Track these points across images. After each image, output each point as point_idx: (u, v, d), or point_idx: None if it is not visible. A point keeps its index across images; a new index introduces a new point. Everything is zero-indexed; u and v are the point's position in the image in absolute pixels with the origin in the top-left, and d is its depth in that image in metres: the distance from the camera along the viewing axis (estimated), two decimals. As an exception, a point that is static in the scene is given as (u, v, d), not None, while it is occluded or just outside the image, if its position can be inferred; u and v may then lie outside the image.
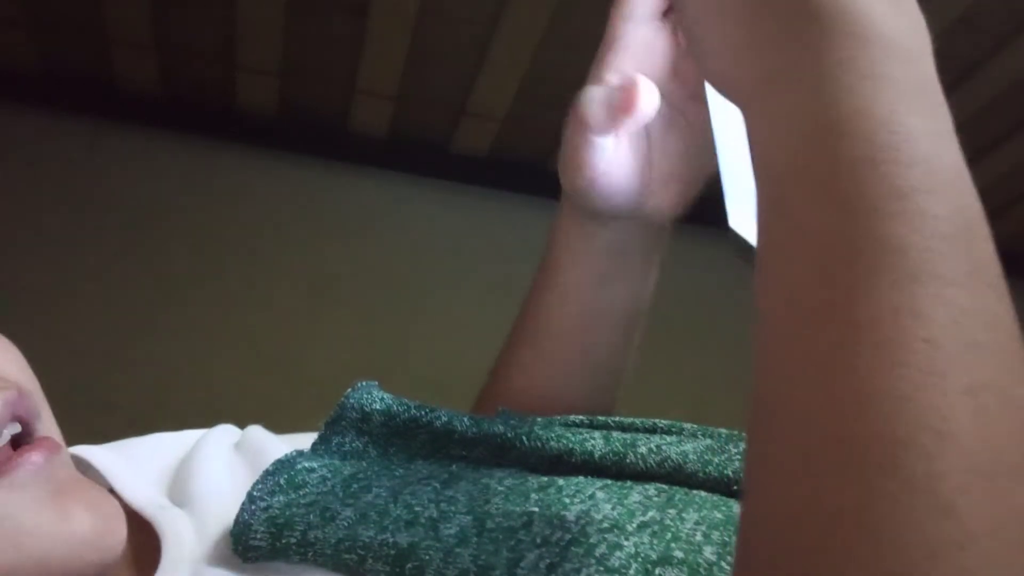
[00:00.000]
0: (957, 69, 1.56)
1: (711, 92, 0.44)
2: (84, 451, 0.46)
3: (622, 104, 0.45)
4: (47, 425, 0.42)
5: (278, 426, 0.53)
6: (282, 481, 0.41)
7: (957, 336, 0.24)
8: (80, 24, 1.63)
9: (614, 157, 0.47)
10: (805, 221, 0.27)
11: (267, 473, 0.41)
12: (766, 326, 0.28)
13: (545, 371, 0.57)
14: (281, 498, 0.40)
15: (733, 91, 0.34)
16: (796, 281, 0.27)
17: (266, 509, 0.39)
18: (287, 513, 0.39)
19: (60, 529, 0.38)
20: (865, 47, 0.29)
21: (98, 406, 1.61)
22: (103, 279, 1.78)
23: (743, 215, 0.41)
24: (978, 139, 1.76)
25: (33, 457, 0.38)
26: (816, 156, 0.28)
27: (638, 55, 0.48)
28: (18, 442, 0.40)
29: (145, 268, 1.80)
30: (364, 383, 0.49)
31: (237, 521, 0.39)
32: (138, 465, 0.47)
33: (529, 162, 1.96)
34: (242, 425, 0.53)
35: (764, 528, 0.25)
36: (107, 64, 1.73)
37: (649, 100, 0.45)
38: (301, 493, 0.40)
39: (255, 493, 0.40)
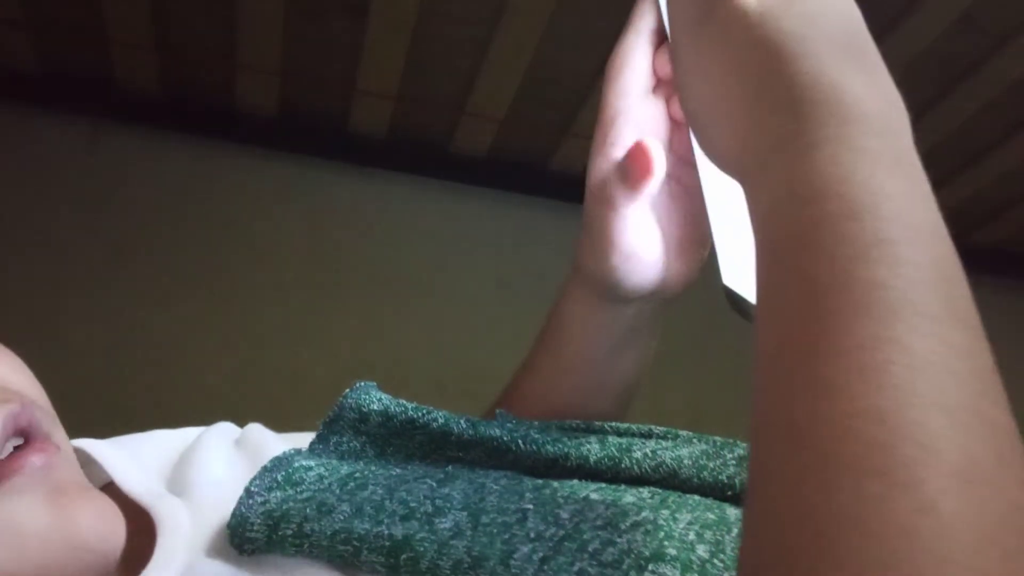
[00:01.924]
0: (957, 69, 1.56)
1: (700, 160, 0.47)
2: (84, 444, 0.47)
3: (637, 167, 0.48)
4: (54, 432, 0.42)
5: (277, 425, 0.53)
6: (279, 478, 0.41)
7: (935, 363, 0.28)
8: (80, 24, 1.63)
9: (641, 230, 0.49)
10: (798, 268, 0.31)
11: (265, 470, 0.42)
12: (765, 356, 0.31)
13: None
14: (278, 494, 0.40)
15: (731, 165, 0.38)
16: (790, 317, 0.30)
17: (263, 503, 0.39)
18: (284, 507, 0.39)
19: (60, 532, 0.38)
20: (847, 124, 0.33)
21: (98, 406, 1.61)
22: (103, 279, 1.78)
23: (735, 271, 0.45)
24: (978, 139, 1.77)
25: (32, 460, 0.39)
26: (806, 214, 0.32)
27: (637, 128, 0.50)
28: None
29: (145, 268, 1.80)
30: (362, 383, 0.49)
31: (234, 514, 0.39)
32: (138, 458, 0.47)
33: (529, 162, 1.96)
34: (242, 425, 0.53)
35: (765, 531, 0.27)
36: (107, 64, 1.73)
37: (660, 157, 0.47)
38: (298, 489, 0.41)
39: (253, 488, 0.40)
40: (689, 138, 0.48)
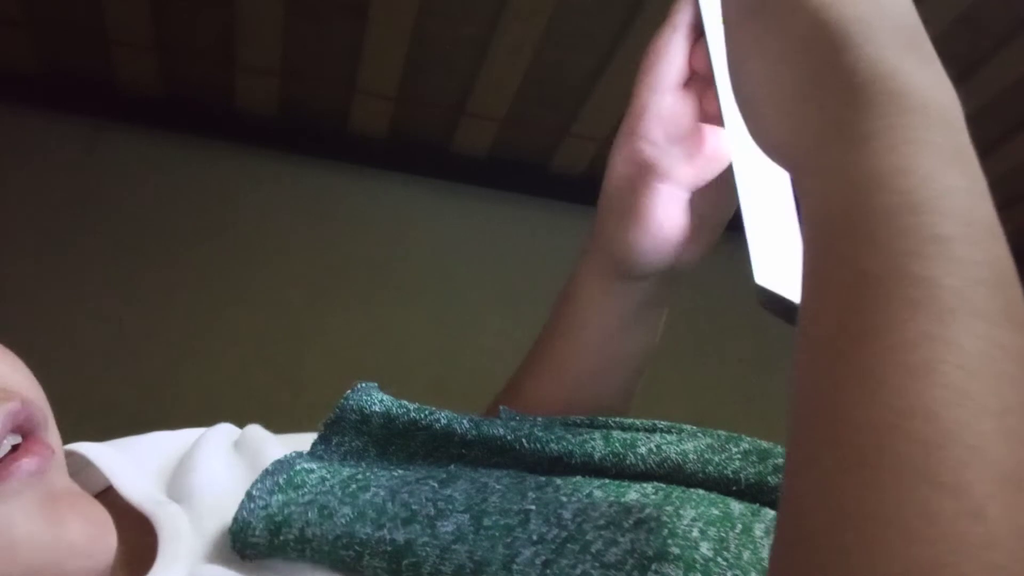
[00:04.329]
0: (957, 69, 1.55)
1: (737, 155, 0.47)
2: (83, 447, 0.46)
3: (701, 148, 0.49)
4: (49, 433, 0.42)
5: (277, 425, 0.53)
6: (281, 481, 0.41)
7: (987, 365, 0.27)
8: (80, 24, 1.63)
9: (672, 210, 0.51)
10: (850, 259, 0.30)
11: (266, 473, 0.42)
12: (810, 346, 0.30)
13: (549, 410, 0.58)
14: (280, 497, 0.40)
15: (783, 152, 0.37)
16: (840, 309, 0.30)
17: (265, 507, 0.39)
18: (285, 511, 0.39)
19: (51, 537, 0.38)
20: (907, 114, 0.32)
21: (98, 406, 1.61)
22: (103, 279, 1.78)
23: (767, 268, 0.44)
24: (978, 139, 1.76)
25: (25, 464, 0.38)
26: (862, 205, 0.31)
27: (665, 122, 0.51)
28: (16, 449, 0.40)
29: (145, 268, 1.80)
30: (364, 384, 0.49)
31: (236, 519, 0.39)
32: (137, 461, 0.47)
33: (529, 162, 1.96)
34: (242, 425, 0.53)
35: (804, 528, 0.27)
36: (107, 64, 1.73)
37: (727, 146, 0.49)
38: (300, 492, 0.40)
39: (254, 492, 0.40)
40: (720, 133, 0.50)
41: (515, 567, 0.35)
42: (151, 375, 1.74)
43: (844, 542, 0.25)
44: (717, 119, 0.49)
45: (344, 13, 1.55)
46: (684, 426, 0.49)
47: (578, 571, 0.35)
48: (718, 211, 0.53)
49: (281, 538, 0.38)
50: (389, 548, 0.37)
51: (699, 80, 0.51)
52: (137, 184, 1.84)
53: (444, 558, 0.36)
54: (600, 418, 0.51)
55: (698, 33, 0.50)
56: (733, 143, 0.47)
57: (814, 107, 0.34)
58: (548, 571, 0.35)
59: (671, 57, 0.50)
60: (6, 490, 0.38)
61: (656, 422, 0.50)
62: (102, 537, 0.40)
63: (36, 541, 0.38)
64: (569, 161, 1.94)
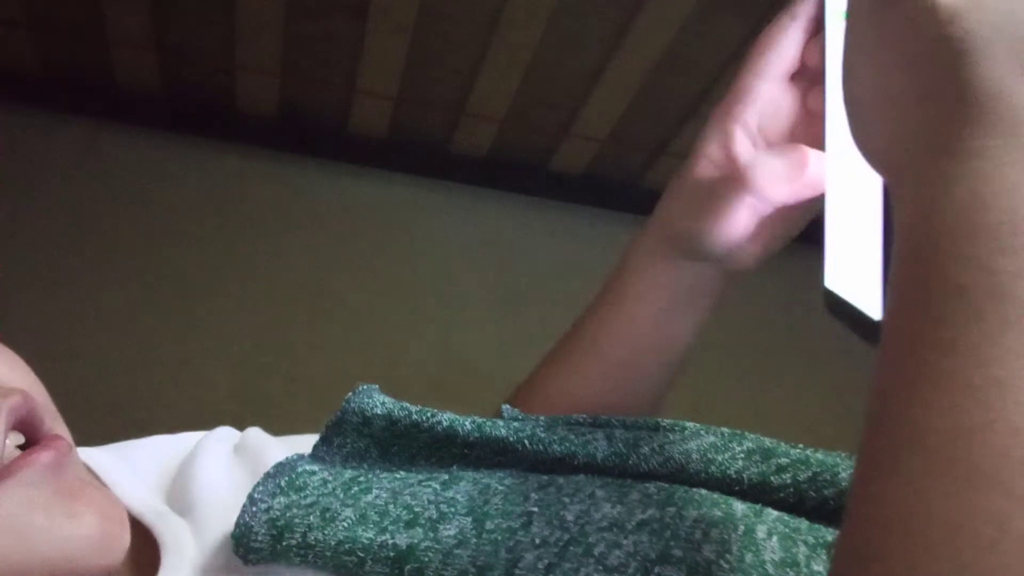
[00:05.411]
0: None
1: (830, 165, 0.47)
2: (83, 454, 0.46)
3: (797, 173, 0.49)
4: (57, 428, 0.42)
5: (278, 426, 0.53)
6: (283, 483, 0.41)
7: None
8: (80, 24, 1.63)
9: (746, 214, 0.51)
10: (948, 274, 0.31)
11: (268, 475, 0.42)
12: (895, 355, 0.31)
13: (582, 389, 0.58)
14: (282, 500, 0.40)
15: (884, 159, 0.37)
16: (932, 319, 0.30)
17: (267, 511, 0.39)
18: (287, 515, 0.39)
19: (68, 529, 0.38)
20: (1015, 136, 0.32)
21: (98, 406, 1.61)
22: (103, 279, 1.78)
23: (840, 274, 0.45)
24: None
25: (42, 457, 0.38)
26: (963, 221, 0.31)
27: (763, 112, 0.50)
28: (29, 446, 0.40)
29: (145, 268, 1.80)
30: (365, 386, 0.49)
31: (238, 523, 0.39)
32: (137, 469, 0.47)
33: (529, 162, 1.96)
34: (242, 426, 0.53)
35: (874, 532, 0.27)
36: (107, 64, 1.73)
37: (820, 172, 0.48)
38: (302, 495, 0.40)
39: (256, 495, 0.40)
40: (820, 133, 0.49)
41: (518, 572, 0.35)
42: (151, 375, 1.74)
43: (914, 547, 0.26)
44: (818, 117, 0.48)
45: (344, 13, 1.55)
46: (687, 424, 0.49)
47: (581, 575, 0.35)
48: (791, 228, 0.53)
49: (283, 543, 0.38)
50: (391, 553, 0.37)
51: (807, 75, 0.51)
52: (137, 184, 1.84)
53: (447, 563, 0.36)
54: (603, 417, 0.50)
55: (817, 28, 0.50)
56: (829, 144, 0.47)
57: (923, 117, 0.35)
58: (551, 575, 0.35)
59: (783, 46, 0.50)
60: (21, 481, 0.38)
61: (659, 420, 0.49)
62: (116, 532, 0.40)
63: (52, 532, 0.38)
64: (569, 161, 1.94)
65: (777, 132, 0.51)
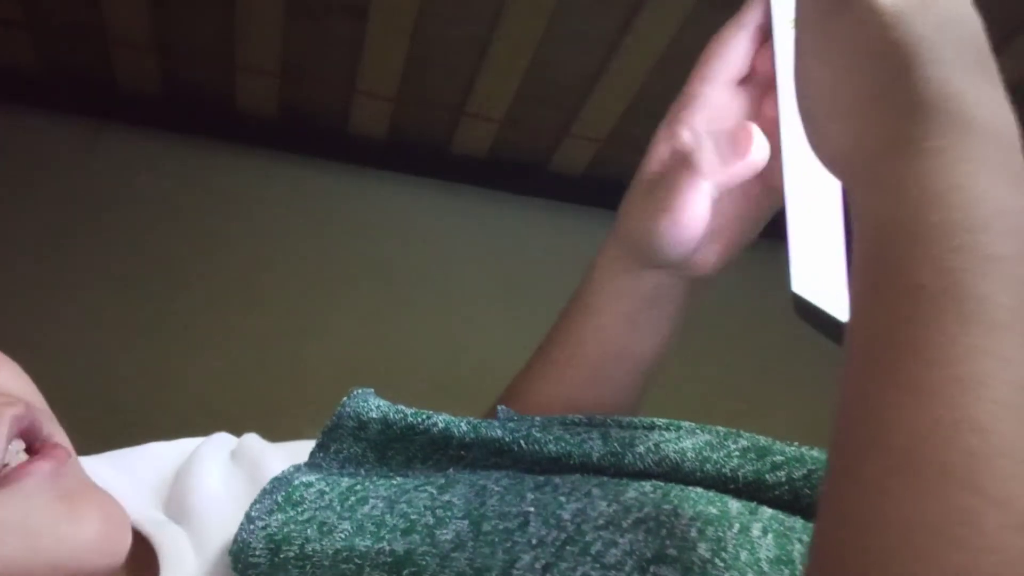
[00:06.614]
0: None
1: (787, 161, 0.47)
2: (81, 463, 0.46)
3: (737, 150, 0.48)
4: (56, 435, 0.42)
5: (278, 427, 0.53)
6: (280, 499, 0.41)
7: None
8: (80, 24, 1.63)
9: (698, 205, 0.50)
10: (904, 273, 0.31)
11: (264, 492, 0.42)
12: (859, 355, 0.31)
13: (560, 396, 0.58)
14: (279, 516, 0.40)
15: (840, 163, 0.37)
16: (892, 320, 0.30)
17: (264, 528, 0.39)
18: (285, 530, 0.39)
19: (71, 531, 0.39)
20: (969, 134, 0.33)
21: (98, 406, 1.61)
22: (103, 279, 1.78)
23: (806, 278, 0.45)
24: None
25: (43, 466, 0.39)
26: (919, 220, 0.32)
27: (712, 116, 0.51)
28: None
29: (145, 268, 1.80)
30: (360, 391, 0.49)
31: (236, 540, 0.39)
32: (135, 478, 0.47)
33: (529, 162, 1.96)
34: (241, 427, 0.53)
35: (844, 531, 0.27)
36: (107, 64, 1.73)
37: (761, 148, 0.48)
38: (299, 510, 0.41)
39: (253, 513, 0.40)
40: (764, 143, 0.49)
41: (515, 572, 0.35)
42: (151, 375, 1.74)
43: (886, 547, 0.26)
44: (774, 123, 0.49)
45: (344, 13, 1.55)
46: (682, 423, 0.49)
47: (578, 573, 0.35)
48: (743, 222, 0.53)
49: (281, 556, 0.38)
50: (389, 559, 0.37)
51: (760, 82, 0.51)
52: (137, 184, 1.84)
53: (444, 566, 0.36)
54: (598, 416, 0.51)
55: (766, 36, 0.50)
56: (786, 150, 0.47)
57: (876, 120, 0.35)
58: (548, 575, 0.35)
59: (730, 52, 0.51)
60: (24, 487, 0.38)
61: (655, 420, 0.50)
62: (118, 534, 0.41)
63: (56, 534, 0.38)
64: (568, 161, 1.94)
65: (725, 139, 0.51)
